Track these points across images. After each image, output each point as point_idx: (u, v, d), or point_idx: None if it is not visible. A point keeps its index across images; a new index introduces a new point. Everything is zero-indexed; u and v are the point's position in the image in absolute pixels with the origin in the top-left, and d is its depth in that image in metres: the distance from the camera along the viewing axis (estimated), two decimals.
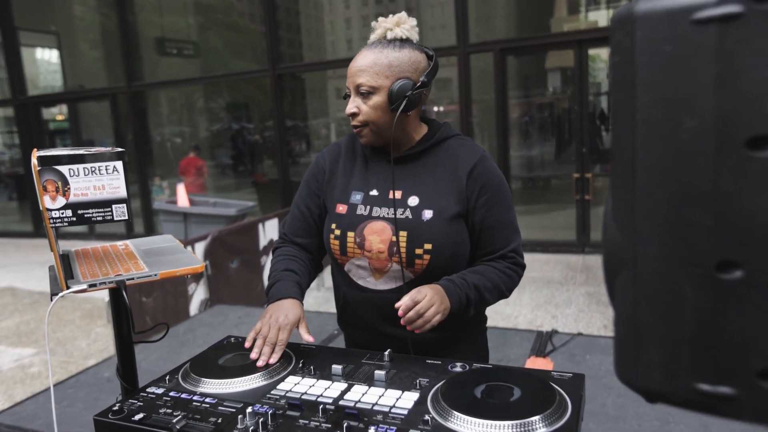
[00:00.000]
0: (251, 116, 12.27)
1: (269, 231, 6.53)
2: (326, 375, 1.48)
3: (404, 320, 1.54)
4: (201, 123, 12.72)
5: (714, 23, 0.51)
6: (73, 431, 2.53)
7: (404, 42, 1.67)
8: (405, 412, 1.28)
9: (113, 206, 1.53)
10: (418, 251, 1.65)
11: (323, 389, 1.40)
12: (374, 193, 1.74)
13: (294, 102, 11.08)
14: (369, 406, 1.31)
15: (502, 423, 1.18)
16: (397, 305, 1.55)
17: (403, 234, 1.66)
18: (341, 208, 1.75)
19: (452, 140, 1.76)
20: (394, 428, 1.22)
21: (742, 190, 0.51)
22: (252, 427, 1.24)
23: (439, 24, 9.53)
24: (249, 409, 1.28)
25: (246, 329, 3.77)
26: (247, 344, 1.59)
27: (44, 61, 13.45)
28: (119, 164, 1.52)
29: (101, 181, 1.50)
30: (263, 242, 6.47)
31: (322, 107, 11.46)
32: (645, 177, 0.56)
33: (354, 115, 1.68)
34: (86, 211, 1.50)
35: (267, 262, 6.35)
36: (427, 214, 1.66)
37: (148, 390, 1.45)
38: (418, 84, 1.65)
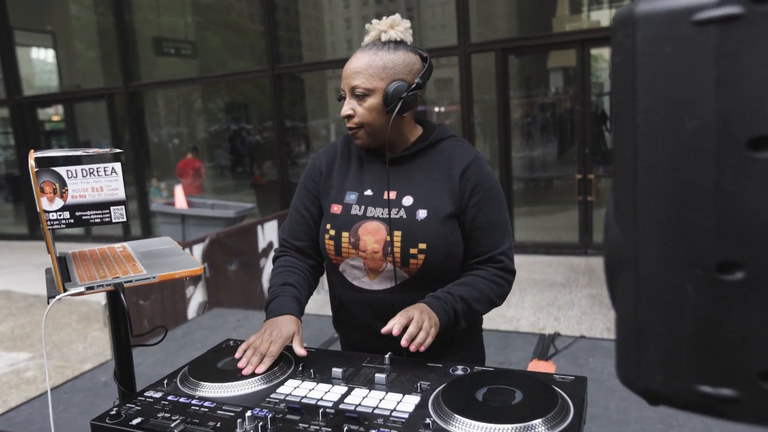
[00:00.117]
0: (250, 117, 12.25)
1: (268, 233, 6.51)
2: (326, 378, 1.47)
3: (406, 338, 1.50)
4: (199, 124, 12.70)
5: (715, 24, 0.51)
6: None
7: (399, 44, 1.69)
8: (406, 415, 1.28)
9: (111, 208, 1.53)
10: (413, 251, 1.66)
11: (323, 393, 1.40)
12: (369, 193, 1.75)
13: (293, 102, 11.05)
14: (369, 410, 1.31)
15: (503, 426, 1.19)
16: (386, 329, 1.52)
17: (397, 234, 1.67)
18: (336, 209, 1.77)
19: (447, 141, 1.78)
20: None
21: (743, 191, 0.51)
22: None
23: (439, 24, 9.52)
24: (248, 413, 1.28)
25: (245, 332, 3.77)
26: (237, 355, 1.58)
27: (40, 61, 13.42)
28: (117, 166, 1.52)
29: (99, 182, 1.50)
30: (262, 244, 6.46)
31: (321, 108, 11.42)
32: (646, 177, 0.56)
33: (349, 117, 1.69)
34: (84, 213, 1.50)
35: (266, 264, 6.35)
36: (422, 213, 1.68)
37: (146, 394, 1.44)
38: (413, 86, 1.67)
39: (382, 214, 1.71)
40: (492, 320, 5.55)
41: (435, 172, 1.73)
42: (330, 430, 1.23)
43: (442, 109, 9.86)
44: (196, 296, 5.46)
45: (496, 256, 1.73)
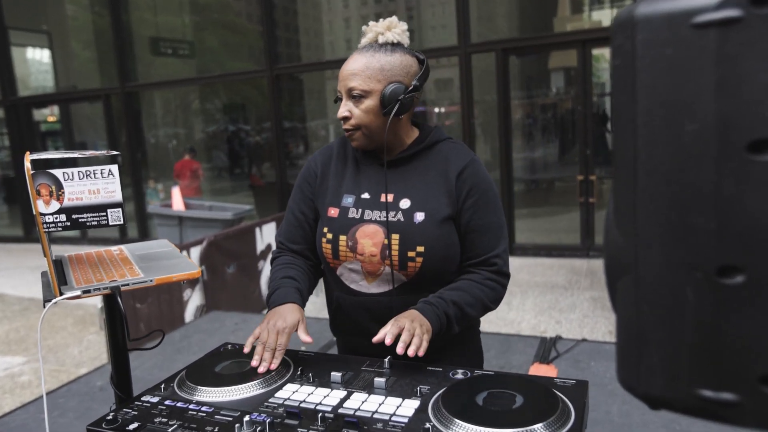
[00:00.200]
0: (248, 117, 12.24)
1: (266, 235, 6.51)
2: (325, 382, 1.47)
3: (401, 345, 1.49)
4: (196, 124, 12.68)
5: (714, 27, 0.51)
6: None
7: (395, 46, 1.70)
8: (405, 420, 1.28)
9: (108, 211, 1.53)
10: (411, 254, 1.67)
11: (322, 397, 1.40)
12: (366, 196, 1.76)
13: (292, 103, 11.02)
14: (369, 414, 1.30)
15: (504, 431, 1.19)
16: (377, 338, 1.52)
17: (395, 237, 1.68)
18: (333, 212, 1.77)
19: (443, 144, 1.79)
20: None
21: (743, 194, 0.51)
22: None
23: (440, 24, 9.50)
24: (246, 418, 1.28)
25: (243, 336, 3.73)
26: (246, 350, 1.58)
27: (35, 61, 13.39)
28: (114, 168, 1.52)
29: (96, 185, 1.50)
30: (260, 247, 6.44)
31: (320, 108, 11.40)
32: (646, 180, 0.56)
33: (346, 118, 1.70)
34: (80, 216, 1.50)
35: (264, 267, 6.33)
36: (419, 216, 1.68)
37: (143, 399, 1.44)
38: (410, 88, 1.68)
39: (380, 217, 1.71)
40: (493, 323, 5.52)
41: (432, 175, 1.73)
42: None
43: (443, 109, 9.84)
44: (194, 299, 5.44)
45: (491, 258, 1.73)
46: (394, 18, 1.73)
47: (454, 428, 1.21)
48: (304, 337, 1.57)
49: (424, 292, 1.70)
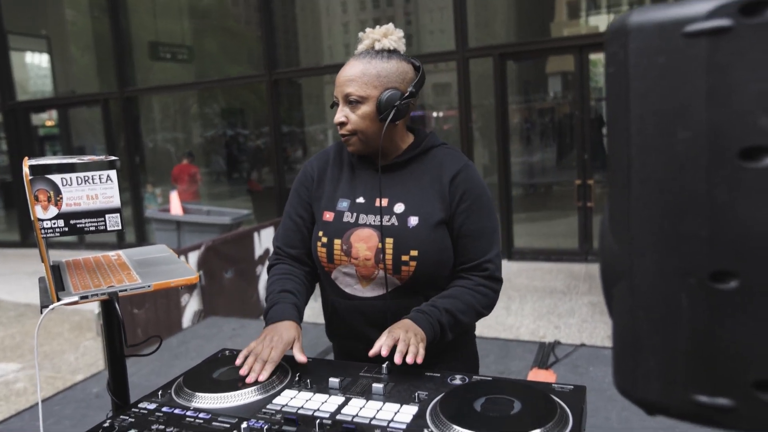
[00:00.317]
0: (246, 122, 12.23)
1: (265, 240, 6.49)
2: (323, 388, 1.47)
3: (398, 354, 1.49)
4: (195, 129, 12.66)
5: (705, 36, 0.52)
6: None
7: (392, 53, 1.72)
8: (403, 426, 1.28)
9: (106, 216, 1.52)
10: (405, 258, 1.68)
11: (320, 403, 1.39)
12: (361, 200, 1.77)
13: (290, 107, 11.02)
14: (367, 421, 1.30)
15: None
16: (373, 351, 1.52)
17: (389, 241, 1.69)
18: (328, 216, 1.79)
19: (438, 149, 1.81)
20: None
21: (736, 201, 0.52)
22: None
23: (438, 28, 9.50)
24: (244, 425, 1.28)
25: (241, 341, 3.73)
26: (238, 362, 1.58)
27: (34, 66, 13.38)
28: (113, 173, 1.52)
29: (94, 190, 1.50)
30: (258, 251, 6.43)
31: (318, 113, 11.39)
32: (640, 188, 0.57)
33: (342, 124, 1.72)
34: (79, 221, 1.50)
35: (263, 272, 6.31)
36: (413, 220, 1.70)
37: (140, 405, 1.44)
38: (406, 94, 1.69)
39: (374, 221, 1.72)
40: (492, 328, 5.52)
41: (426, 180, 1.75)
42: None
43: (441, 114, 9.84)
44: (191, 305, 5.42)
45: (483, 263, 1.74)
46: (391, 25, 1.74)
47: None
48: (299, 356, 1.59)
49: (418, 295, 1.72)
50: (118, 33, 10.73)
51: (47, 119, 13.09)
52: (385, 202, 1.73)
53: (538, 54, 8.69)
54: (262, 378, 1.49)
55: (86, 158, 1.54)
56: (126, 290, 1.48)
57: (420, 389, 1.42)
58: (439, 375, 1.51)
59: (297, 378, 1.52)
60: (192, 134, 12.69)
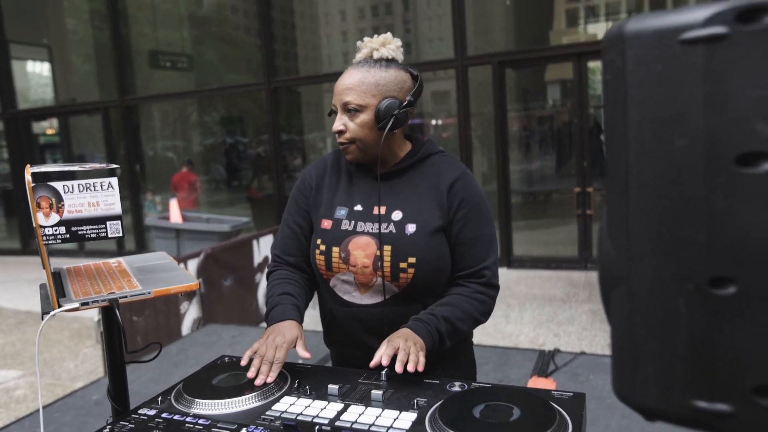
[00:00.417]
0: (246, 130, 12.23)
1: (264, 248, 6.49)
2: (322, 395, 1.47)
3: (399, 364, 1.49)
4: (194, 137, 12.67)
5: (702, 44, 0.52)
6: None
7: (390, 62, 1.73)
8: None
9: (107, 223, 1.54)
10: (402, 265, 1.69)
11: (319, 410, 1.40)
12: (359, 208, 1.78)
13: (289, 116, 11.03)
14: (366, 427, 1.30)
15: None
16: (374, 362, 1.53)
17: (387, 248, 1.70)
18: (326, 224, 1.80)
19: (435, 157, 1.82)
20: None
21: (733, 207, 0.52)
22: None
23: (436, 36, 9.52)
24: (243, 431, 1.29)
25: (240, 348, 3.72)
26: (243, 363, 1.59)
27: (35, 74, 13.40)
28: (114, 180, 1.54)
29: (96, 197, 1.52)
30: (258, 259, 6.41)
31: (318, 121, 11.40)
32: (638, 194, 0.57)
33: (341, 132, 1.73)
34: (80, 228, 1.51)
35: (262, 279, 6.31)
36: (411, 228, 1.71)
37: (140, 412, 1.44)
38: (405, 103, 1.71)
39: (372, 228, 1.73)
40: (491, 336, 5.50)
41: (423, 187, 1.76)
42: None
43: (440, 122, 9.84)
44: (191, 312, 5.41)
45: (481, 270, 1.74)
46: (389, 34, 1.75)
47: None
48: (302, 353, 1.58)
49: (416, 303, 1.73)
50: (119, 42, 10.75)
51: (48, 127, 13.10)
52: (383, 209, 1.74)
53: (536, 62, 8.69)
54: (270, 380, 1.50)
55: (88, 166, 1.56)
56: (126, 297, 1.49)
57: (419, 396, 1.42)
58: (438, 382, 1.51)
59: (296, 384, 1.53)
60: (192, 142, 12.70)
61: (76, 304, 1.42)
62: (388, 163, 1.79)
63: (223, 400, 1.44)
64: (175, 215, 8.41)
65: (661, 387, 0.58)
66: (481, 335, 5.70)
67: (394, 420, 1.32)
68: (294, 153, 11.17)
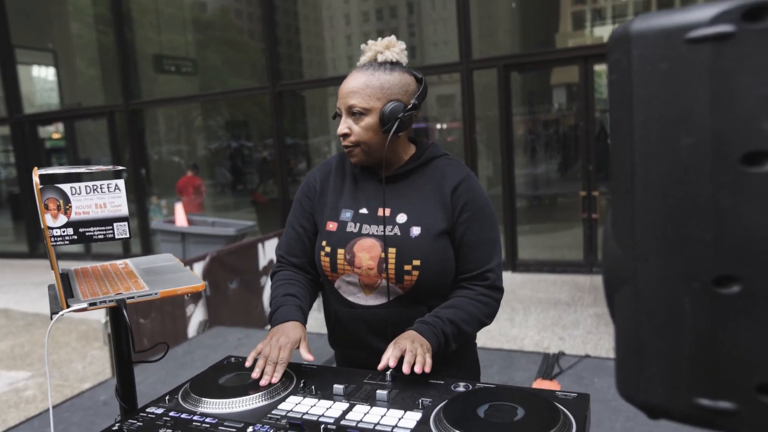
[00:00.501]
0: (250, 134, 12.25)
1: (269, 251, 6.50)
2: (328, 395, 1.48)
3: (406, 365, 1.50)
4: (199, 141, 12.70)
5: (708, 42, 0.52)
6: None
7: (394, 65, 1.73)
8: (407, 431, 1.29)
9: (114, 224, 1.56)
10: (407, 267, 1.70)
11: (325, 409, 1.41)
12: (364, 211, 1.79)
13: (294, 119, 11.04)
14: (371, 426, 1.31)
15: None
16: (382, 365, 1.53)
17: (392, 251, 1.71)
18: (331, 226, 1.80)
19: (439, 160, 1.82)
20: None
21: (739, 205, 0.52)
22: None
23: (441, 40, 9.53)
24: (249, 429, 1.31)
25: (245, 351, 3.72)
26: (248, 363, 1.60)
27: (41, 79, 13.46)
28: (121, 182, 1.55)
29: (103, 199, 1.53)
30: (263, 262, 6.43)
31: (322, 125, 11.41)
32: (644, 194, 0.57)
33: (346, 135, 1.73)
34: (87, 230, 1.53)
35: (267, 282, 6.31)
36: (415, 230, 1.71)
37: (148, 410, 1.46)
38: (409, 106, 1.71)
39: (377, 231, 1.74)
40: (496, 339, 5.50)
41: (428, 190, 1.76)
42: None
43: (445, 125, 9.84)
44: (197, 315, 5.42)
45: (485, 273, 1.75)
46: (393, 37, 1.76)
47: None
48: (305, 354, 1.60)
49: (420, 304, 1.74)
50: (123, 46, 10.79)
51: (54, 132, 13.15)
52: (387, 212, 1.75)
53: (542, 65, 8.68)
54: (274, 380, 1.51)
55: (94, 168, 1.57)
56: (133, 297, 1.50)
57: (424, 396, 1.43)
58: (442, 382, 1.52)
59: (302, 384, 1.54)
60: (196, 146, 12.73)
61: (85, 305, 1.43)
62: (392, 166, 1.80)
63: (229, 400, 1.45)
64: (181, 219, 8.43)
65: (666, 386, 0.58)
66: (485, 338, 5.70)
67: (399, 419, 1.33)
68: (298, 157, 11.18)
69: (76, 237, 1.52)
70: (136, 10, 11.22)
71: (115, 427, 1.35)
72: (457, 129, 8.96)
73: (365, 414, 1.36)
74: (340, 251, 1.75)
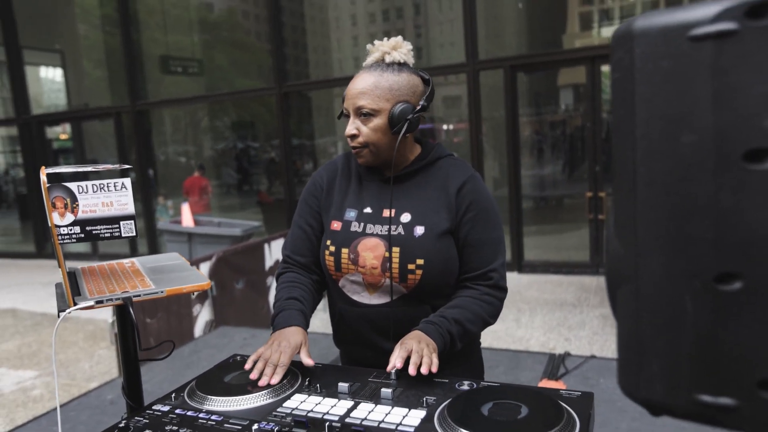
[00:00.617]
0: (257, 135, 12.28)
1: (275, 251, 6.50)
2: (332, 393, 1.48)
3: (412, 366, 1.50)
4: (206, 142, 12.74)
5: (710, 40, 0.52)
6: None
7: (402, 66, 1.73)
8: (411, 429, 1.29)
9: (121, 223, 1.56)
10: (411, 266, 1.70)
11: (329, 407, 1.41)
12: (368, 210, 1.79)
13: (300, 120, 11.05)
14: (375, 424, 1.31)
15: None
16: (390, 368, 1.53)
17: (395, 250, 1.71)
18: (336, 225, 1.81)
19: (444, 160, 1.82)
20: None
21: (741, 203, 0.52)
22: None
23: (448, 41, 9.53)
24: (255, 427, 1.31)
25: (251, 350, 3.71)
26: (247, 366, 1.59)
27: (48, 80, 13.53)
28: (127, 181, 1.55)
29: (109, 197, 1.54)
30: (269, 263, 6.43)
31: (328, 125, 11.43)
32: (646, 192, 0.57)
33: (354, 136, 1.73)
34: (94, 228, 1.53)
35: (273, 282, 6.30)
36: (419, 230, 1.71)
37: (154, 408, 1.46)
38: (418, 107, 1.71)
39: (381, 230, 1.74)
40: (502, 339, 5.50)
41: (432, 190, 1.77)
42: None
43: (451, 126, 9.84)
44: (203, 315, 5.42)
45: (488, 272, 1.75)
46: (400, 38, 1.75)
47: None
48: (306, 360, 1.60)
49: (424, 304, 1.74)
50: (130, 47, 10.83)
51: (61, 132, 13.21)
52: (392, 212, 1.76)
53: (549, 66, 8.67)
54: (274, 381, 1.51)
55: (100, 167, 1.57)
56: (140, 295, 1.50)
57: (428, 394, 1.44)
58: (447, 381, 1.52)
59: (307, 382, 1.54)
60: (203, 147, 12.77)
61: (91, 303, 1.43)
62: (398, 166, 1.80)
63: (235, 397, 1.45)
64: (187, 219, 8.45)
65: (666, 383, 0.58)
66: (491, 339, 5.70)
67: (404, 417, 1.33)
68: (304, 158, 11.20)
69: (83, 235, 1.52)
70: (142, 11, 11.26)
71: (122, 424, 1.36)
72: (464, 130, 8.96)
73: (370, 412, 1.37)
74: (344, 250, 1.75)
